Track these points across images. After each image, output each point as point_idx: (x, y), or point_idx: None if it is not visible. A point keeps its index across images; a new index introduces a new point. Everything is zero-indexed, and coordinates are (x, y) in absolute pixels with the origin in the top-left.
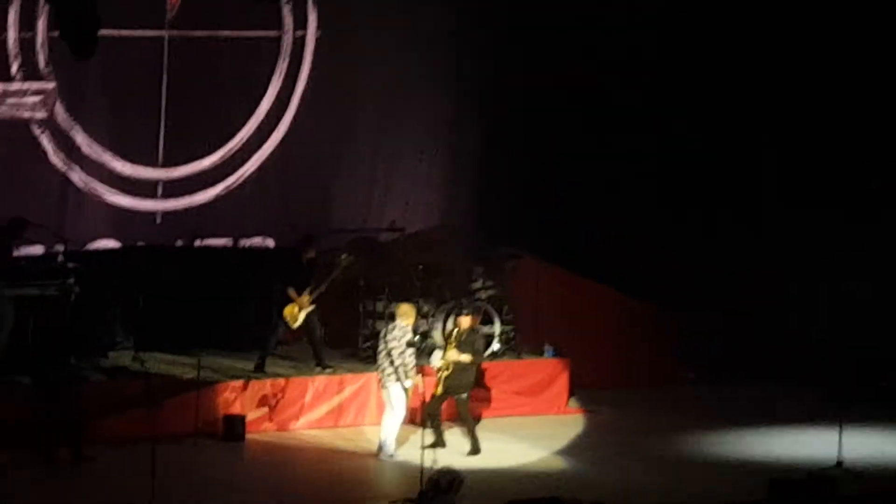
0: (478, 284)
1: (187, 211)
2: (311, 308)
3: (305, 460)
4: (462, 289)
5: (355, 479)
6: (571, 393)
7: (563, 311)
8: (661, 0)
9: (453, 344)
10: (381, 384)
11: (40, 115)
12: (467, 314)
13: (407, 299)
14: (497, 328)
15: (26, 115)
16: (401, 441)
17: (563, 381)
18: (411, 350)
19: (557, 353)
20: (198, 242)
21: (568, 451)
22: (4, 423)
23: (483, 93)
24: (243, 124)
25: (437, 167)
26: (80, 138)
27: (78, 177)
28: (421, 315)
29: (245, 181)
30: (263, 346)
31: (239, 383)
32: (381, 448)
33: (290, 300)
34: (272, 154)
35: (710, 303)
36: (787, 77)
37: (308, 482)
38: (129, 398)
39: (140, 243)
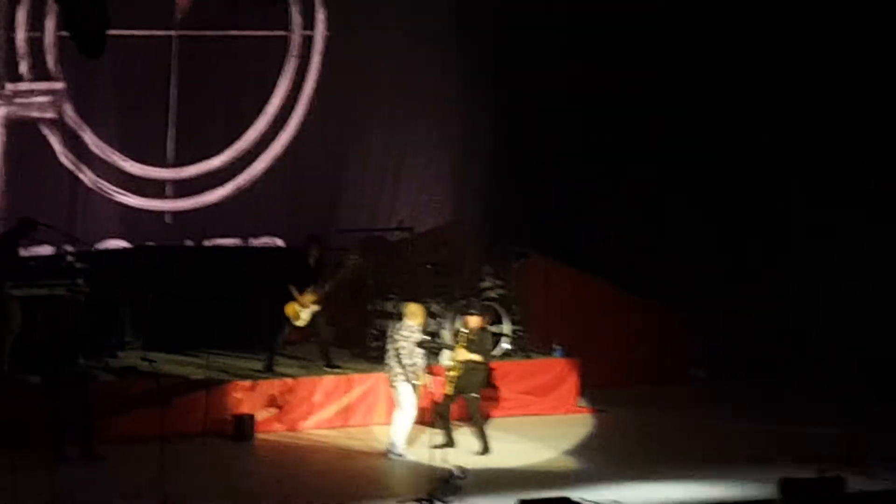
0: (487, 283)
1: (196, 211)
2: (316, 307)
3: (315, 460)
4: (471, 288)
5: (365, 478)
6: (581, 392)
7: (572, 310)
8: None
9: (462, 343)
10: (391, 384)
11: (49, 114)
12: (475, 314)
13: (416, 299)
14: (506, 327)
15: (35, 114)
16: (410, 441)
17: (572, 380)
18: (420, 350)
19: (566, 353)
20: (207, 242)
21: (577, 450)
22: (14, 423)
23: (492, 91)
24: (252, 124)
25: (445, 166)
26: (89, 138)
27: (87, 177)
28: (430, 314)
29: (254, 181)
30: (270, 346)
31: (247, 383)
32: (390, 448)
33: (292, 298)
34: (281, 154)
35: (720, 301)
36: (795, 74)
37: (317, 482)
38: (139, 398)
39: (149, 243)
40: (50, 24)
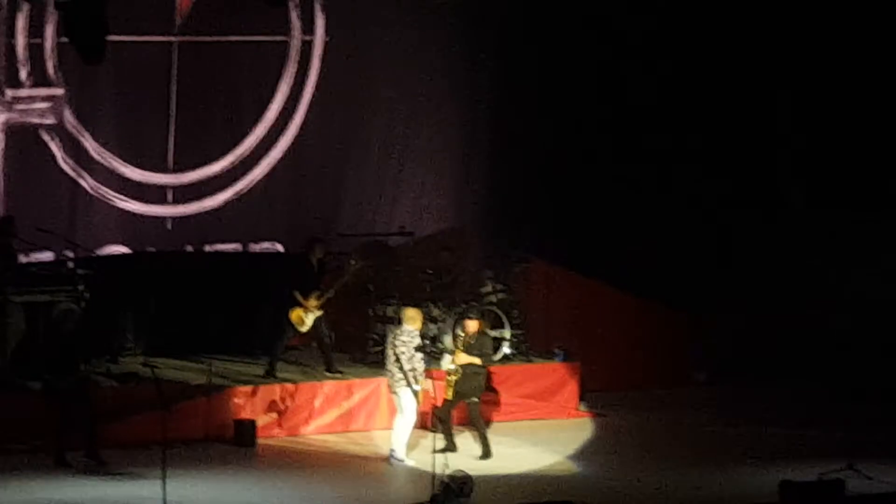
0: (487, 288)
1: (197, 216)
2: (319, 312)
3: (316, 465)
4: (472, 293)
5: (366, 483)
6: (582, 396)
7: (572, 314)
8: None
9: (461, 347)
10: (391, 389)
11: (49, 120)
12: (473, 318)
13: (416, 304)
14: (507, 332)
15: (35, 120)
16: (412, 445)
17: (573, 384)
18: (420, 354)
19: (567, 357)
20: (207, 248)
21: (579, 454)
22: (16, 429)
23: (492, 96)
24: (252, 129)
25: (446, 171)
26: (90, 144)
27: (87, 183)
28: (431, 319)
29: (254, 186)
30: (272, 351)
31: (248, 388)
32: (392, 453)
33: (297, 304)
34: (281, 159)
35: (721, 304)
36: (808, 74)
37: (319, 487)
38: (140, 403)
39: (150, 249)
40: (50, 31)
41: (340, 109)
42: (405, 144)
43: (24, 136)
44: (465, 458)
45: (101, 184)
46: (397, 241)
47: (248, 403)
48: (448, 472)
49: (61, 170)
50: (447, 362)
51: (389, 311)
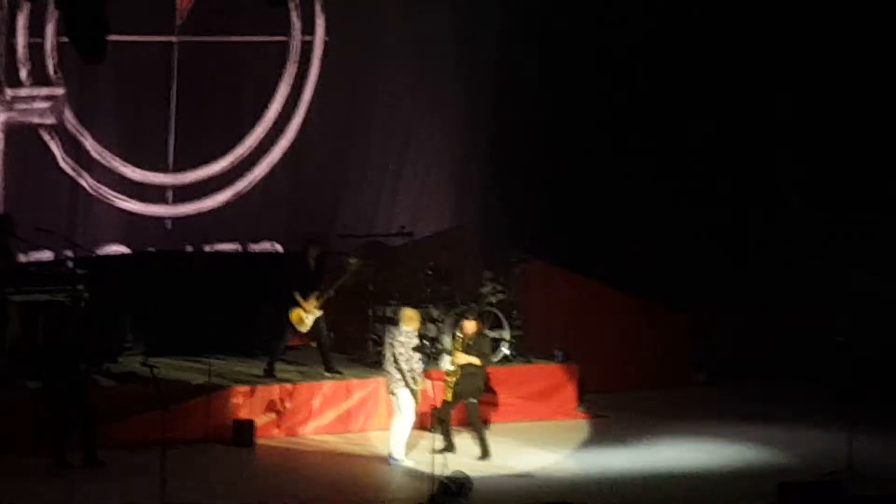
0: (487, 289)
1: (196, 216)
2: (319, 312)
3: (315, 465)
4: (471, 293)
5: (365, 484)
6: (581, 397)
7: (572, 314)
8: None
9: (460, 349)
10: (389, 389)
11: (49, 120)
12: (470, 318)
13: (416, 304)
14: (506, 333)
15: (36, 120)
16: (411, 446)
17: (572, 385)
18: (418, 355)
19: (567, 358)
20: (207, 248)
21: (577, 455)
22: (15, 429)
23: (492, 96)
24: (252, 129)
25: (445, 171)
26: (90, 144)
27: (87, 182)
28: (430, 320)
29: (254, 186)
30: (271, 351)
31: (248, 388)
32: (390, 453)
33: (297, 304)
34: (281, 159)
35: (720, 305)
36: (810, 74)
37: (318, 487)
38: (139, 403)
39: (150, 249)
40: (50, 30)
41: (340, 110)
42: (405, 145)
43: (23, 136)
44: (464, 458)
45: (101, 183)
46: (397, 241)
47: (247, 403)
48: (447, 472)
49: (61, 169)
50: (446, 363)
51: (389, 311)
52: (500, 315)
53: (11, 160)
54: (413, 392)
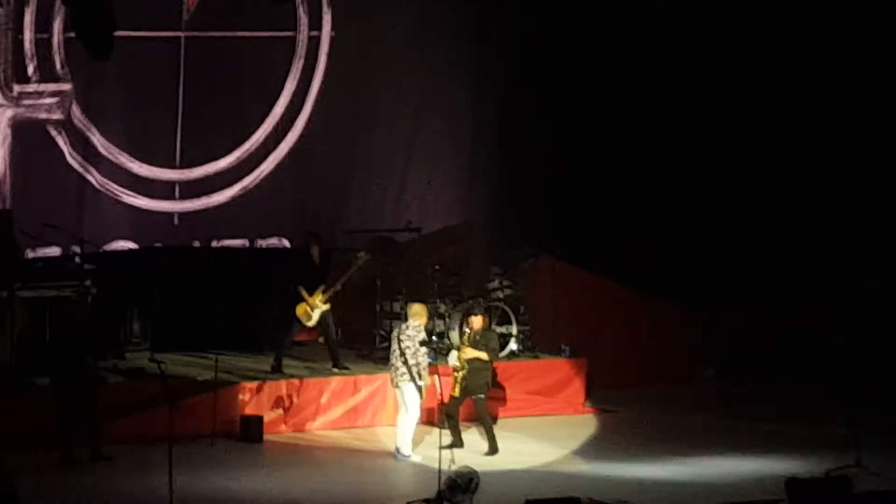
0: (494, 284)
1: (204, 212)
2: (326, 307)
3: (322, 461)
4: (479, 288)
5: (372, 479)
6: (588, 392)
7: (580, 310)
8: None
9: (467, 344)
10: (395, 384)
11: (57, 116)
12: (478, 314)
13: (423, 299)
14: (514, 328)
15: (43, 116)
16: (418, 441)
17: (579, 380)
18: (424, 350)
19: (574, 353)
20: (214, 243)
21: (585, 450)
22: (22, 424)
23: (500, 90)
24: (259, 125)
25: (453, 166)
26: (97, 139)
27: (95, 178)
28: (438, 315)
29: (261, 182)
30: (278, 347)
31: (255, 384)
32: (397, 448)
33: (302, 299)
34: (288, 155)
35: (729, 301)
36: (816, 73)
37: (325, 483)
38: (146, 399)
39: (157, 244)
40: (57, 26)
41: (347, 105)
42: (412, 140)
43: (31, 132)
44: (472, 454)
45: (109, 179)
46: (404, 236)
47: (255, 399)
48: (454, 468)
49: (68, 165)
50: (454, 358)
51: (397, 306)
52: (508, 310)
53: (19, 156)
54: (418, 387)
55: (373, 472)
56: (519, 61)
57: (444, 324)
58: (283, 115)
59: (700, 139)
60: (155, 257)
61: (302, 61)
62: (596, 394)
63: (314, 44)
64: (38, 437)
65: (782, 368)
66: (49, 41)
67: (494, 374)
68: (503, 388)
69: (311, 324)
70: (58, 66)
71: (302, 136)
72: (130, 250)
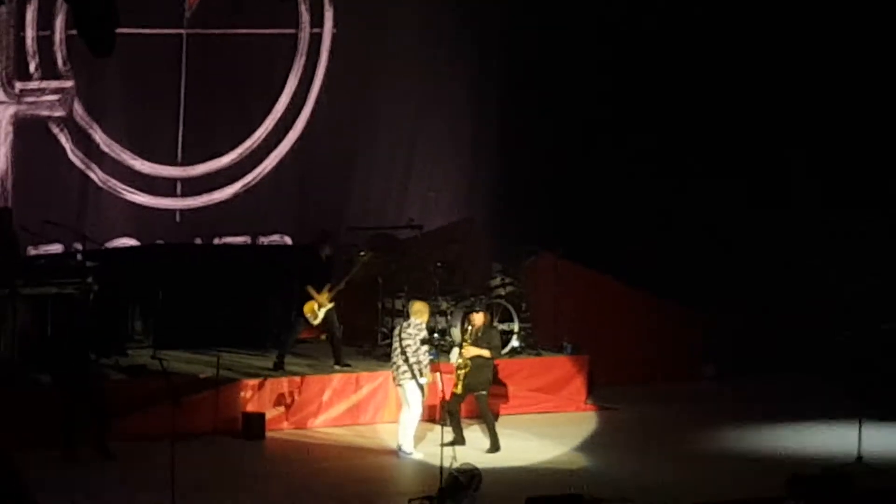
0: (496, 281)
1: (206, 209)
2: (330, 305)
3: (324, 458)
4: (481, 286)
5: (374, 477)
6: (590, 390)
7: (581, 307)
8: None
9: (469, 341)
10: (396, 382)
11: (59, 113)
12: (479, 311)
13: (425, 297)
14: (516, 325)
15: (45, 113)
16: (420, 438)
17: (581, 377)
18: (426, 347)
19: (576, 350)
20: (216, 240)
21: (587, 447)
22: (25, 422)
23: (502, 88)
24: (261, 122)
25: (455, 164)
26: (99, 136)
27: (97, 175)
28: (439, 312)
29: (263, 179)
30: (282, 344)
31: (257, 381)
32: (399, 446)
33: (309, 297)
34: (290, 151)
35: (730, 298)
36: (818, 70)
37: (327, 480)
38: (149, 396)
39: (159, 241)
40: (59, 23)
41: (349, 102)
42: (414, 137)
43: (33, 129)
44: (474, 451)
45: (111, 176)
46: (406, 234)
47: (257, 396)
48: (456, 465)
49: (70, 162)
50: (455, 356)
51: (399, 304)
52: (510, 307)
53: (21, 153)
54: (420, 385)
55: (375, 470)
56: (519, 61)
57: (446, 321)
58: (285, 113)
59: (700, 139)
60: (157, 254)
61: (304, 59)
62: (597, 391)
63: (316, 41)
64: (40, 434)
65: (782, 366)
66: (51, 38)
67: (496, 372)
68: (505, 386)
69: (316, 322)
70: (60, 63)
71: (303, 134)
72: (132, 247)
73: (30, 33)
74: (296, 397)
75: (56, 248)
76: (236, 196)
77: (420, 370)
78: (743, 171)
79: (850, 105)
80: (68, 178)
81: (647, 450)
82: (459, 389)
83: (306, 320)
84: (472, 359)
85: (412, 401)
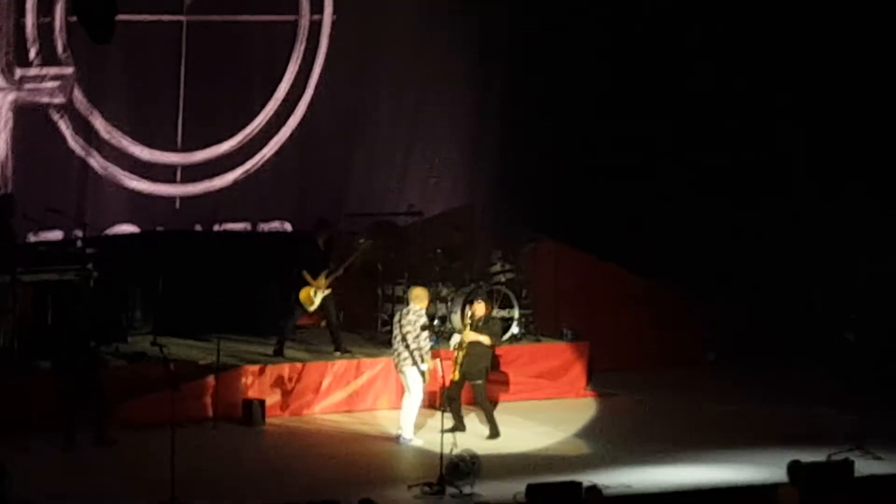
0: (497, 268)
1: (206, 196)
2: (327, 292)
3: (324, 444)
4: (481, 272)
5: (374, 463)
6: (590, 376)
7: (582, 294)
8: None
9: (469, 328)
10: (398, 368)
11: (58, 100)
12: (481, 301)
13: (425, 283)
14: (516, 311)
15: (45, 100)
16: (420, 425)
17: (581, 364)
18: (426, 333)
19: (576, 337)
20: (216, 227)
21: (586, 434)
22: (26, 408)
23: (502, 74)
24: (261, 108)
25: (455, 150)
26: (99, 123)
27: (97, 162)
28: (439, 299)
29: (263, 165)
30: (281, 330)
31: (257, 368)
32: (400, 432)
33: (305, 283)
34: (290, 138)
35: (731, 285)
36: (817, 54)
37: (328, 466)
38: (149, 382)
39: (159, 228)
40: (59, 10)
41: (349, 89)
42: (414, 123)
43: (33, 116)
44: (474, 437)
45: (111, 163)
46: (406, 220)
47: (257, 383)
48: (456, 451)
49: (70, 149)
50: (455, 341)
51: (398, 290)
52: (510, 294)
53: (21, 140)
54: (421, 371)
55: (375, 456)
56: (520, 48)
57: (446, 307)
58: (285, 99)
59: (703, 125)
60: (157, 241)
61: (304, 45)
62: (597, 377)
63: (316, 28)
64: (40, 420)
65: (783, 352)
66: (51, 25)
67: (496, 359)
68: (505, 372)
69: (313, 308)
70: (60, 49)
71: (304, 120)
72: (132, 234)
73: (30, 20)
74: (296, 383)
75: (56, 234)
76: (236, 183)
77: (421, 356)
78: (743, 158)
79: (851, 87)
80: (68, 165)
81: (647, 436)
82: (456, 376)
83: (303, 307)
84: (471, 346)
85: (413, 387)
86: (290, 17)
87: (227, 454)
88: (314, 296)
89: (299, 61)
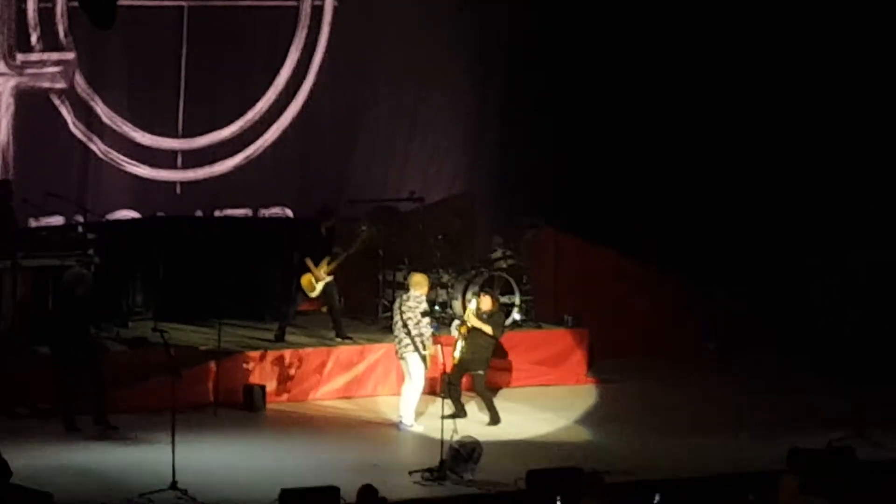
0: (497, 254)
1: (207, 181)
2: (329, 278)
3: (325, 430)
4: (482, 258)
5: (375, 449)
6: (591, 363)
7: (582, 280)
8: None
9: (473, 315)
10: (399, 355)
11: (60, 85)
12: (488, 295)
13: (426, 269)
14: (517, 298)
15: (46, 85)
16: (421, 411)
17: (582, 351)
18: (427, 320)
19: (577, 324)
20: (217, 213)
21: (587, 420)
22: (26, 393)
23: (504, 60)
24: (262, 94)
25: (457, 136)
26: (100, 108)
27: (98, 147)
28: (440, 285)
29: (264, 151)
30: (282, 316)
31: (258, 353)
32: (401, 419)
33: (307, 269)
34: (291, 124)
35: (731, 273)
36: (815, 52)
37: (328, 453)
38: (149, 368)
39: (160, 214)
40: None
41: (350, 75)
42: (416, 109)
43: (34, 101)
44: (474, 424)
45: (112, 148)
46: (407, 206)
47: (257, 368)
48: (457, 437)
49: (72, 134)
50: (456, 328)
51: (399, 276)
52: (511, 280)
53: (22, 125)
54: (422, 357)
55: (376, 442)
56: (524, 30)
57: (447, 294)
58: (287, 85)
59: (703, 121)
60: (158, 226)
61: (305, 31)
62: (598, 365)
63: (317, 13)
64: (40, 406)
65: (784, 342)
66: (52, 10)
67: (497, 346)
68: (506, 358)
69: (314, 294)
70: (61, 35)
71: (305, 106)
72: (133, 220)
73: (31, 5)
74: (297, 369)
75: (57, 220)
76: (237, 168)
77: (422, 342)
78: (743, 152)
79: (851, 86)
80: (69, 151)
81: (648, 423)
82: (456, 359)
83: (304, 293)
84: (473, 337)
85: (414, 373)
86: (292, 3)
87: (228, 439)
88: (315, 283)
89: (300, 47)
